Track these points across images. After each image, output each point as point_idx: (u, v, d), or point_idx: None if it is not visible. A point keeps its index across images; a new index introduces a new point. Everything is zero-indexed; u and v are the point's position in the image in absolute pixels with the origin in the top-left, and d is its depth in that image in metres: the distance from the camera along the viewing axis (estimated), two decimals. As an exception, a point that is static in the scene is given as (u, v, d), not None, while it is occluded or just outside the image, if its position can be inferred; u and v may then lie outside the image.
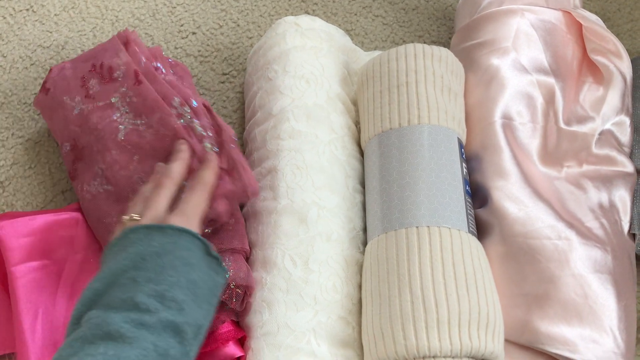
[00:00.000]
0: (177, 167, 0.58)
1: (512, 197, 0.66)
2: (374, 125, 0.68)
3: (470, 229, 0.62)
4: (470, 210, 0.64)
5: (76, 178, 0.65)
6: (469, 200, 0.64)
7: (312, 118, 0.67)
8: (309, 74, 0.70)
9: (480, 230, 0.66)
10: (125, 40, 0.69)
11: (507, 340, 0.63)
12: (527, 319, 0.62)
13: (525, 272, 0.63)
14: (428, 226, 0.60)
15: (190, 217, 0.54)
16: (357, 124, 0.72)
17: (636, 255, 0.69)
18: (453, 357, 0.55)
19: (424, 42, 0.85)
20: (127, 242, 0.50)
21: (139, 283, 0.46)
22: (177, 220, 0.52)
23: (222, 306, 0.59)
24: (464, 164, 0.66)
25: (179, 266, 0.48)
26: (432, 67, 0.69)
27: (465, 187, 0.65)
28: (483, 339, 0.56)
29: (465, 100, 0.73)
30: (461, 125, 0.69)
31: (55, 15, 0.84)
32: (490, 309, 0.57)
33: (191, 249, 0.50)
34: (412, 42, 0.84)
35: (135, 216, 0.54)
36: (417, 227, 0.60)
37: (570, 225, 0.65)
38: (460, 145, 0.67)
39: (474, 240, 0.61)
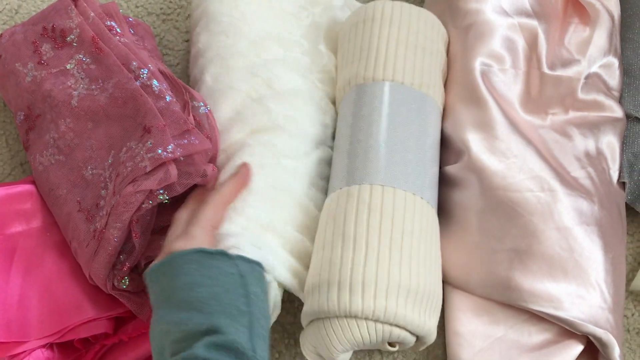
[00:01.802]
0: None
1: (491, 148, 0.62)
2: (342, 83, 0.65)
3: (426, 195, 0.58)
4: (431, 173, 0.60)
5: (29, 148, 0.62)
6: (431, 163, 0.61)
7: (231, 69, 0.63)
8: (227, 26, 0.65)
9: (457, 185, 0.63)
10: (74, -2, 0.65)
11: (488, 299, 0.60)
12: (508, 276, 0.59)
13: (507, 227, 0.60)
14: (382, 185, 0.57)
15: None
16: (306, 55, 0.67)
17: (626, 204, 0.65)
18: (375, 321, 0.53)
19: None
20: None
21: None
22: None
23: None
24: (431, 123, 0.62)
25: None
26: (416, 26, 0.64)
27: (431, 151, 0.61)
28: (410, 309, 0.53)
29: (443, 48, 0.69)
30: (438, 88, 0.65)
31: (7, -23, 0.79)
32: (421, 280, 0.54)
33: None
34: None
35: None
36: (359, 184, 0.57)
37: (555, 175, 0.62)
38: (435, 110, 0.63)
39: (426, 207, 0.58)
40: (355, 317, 0.52)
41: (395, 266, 0.53)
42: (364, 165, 0.58)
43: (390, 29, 0.63)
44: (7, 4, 0.78)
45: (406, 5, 0.66)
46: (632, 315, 0.64)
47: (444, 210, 0.64)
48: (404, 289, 0.52)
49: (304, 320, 0.56)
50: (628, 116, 0.67)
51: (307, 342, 0.56)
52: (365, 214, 0.55)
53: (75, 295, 0.55)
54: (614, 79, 0.69)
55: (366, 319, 0.52)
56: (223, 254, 0.49)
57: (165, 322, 0.46)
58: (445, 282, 0.62)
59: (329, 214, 0.57)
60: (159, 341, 0.46)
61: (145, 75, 0.58)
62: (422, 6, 0.76)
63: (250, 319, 0.46)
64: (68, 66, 0.62)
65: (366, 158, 0.58)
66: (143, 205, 0.51)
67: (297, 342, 0.63)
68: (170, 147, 0.52)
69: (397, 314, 0.52)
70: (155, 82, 0.57)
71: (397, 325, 0.53)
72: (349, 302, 0.52)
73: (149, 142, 0.53)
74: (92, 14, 0.63)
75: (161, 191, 0.52)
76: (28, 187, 0.61)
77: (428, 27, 0.65)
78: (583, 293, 0.58)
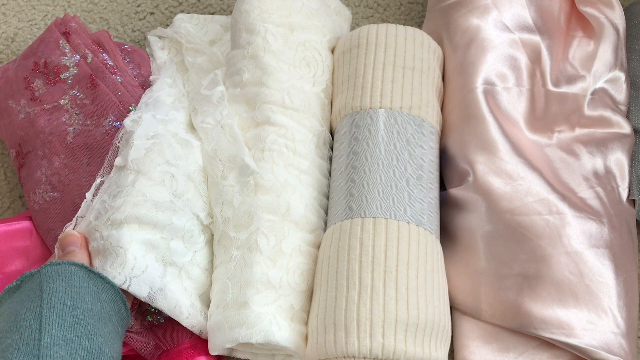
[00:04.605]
0: None
1: (497, 171, 0.61)
2: (335, 113, 0.64)
3: (424, 222, 0.57)
4: (429, 198, 0.59)
5: (24, 186, 0.61)
6: (429, 188, 0.60)
7: None
8: None
9: (462, 208, 0.62)
10: (64, 30, 0.64)
11: (498, 326, 0.59)
12: (518, 302, 0.57)
13: (515, 252, 0.59)
14: (374, 217, 0.56)
15: None
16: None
17: (637, 221, 0.64)
18: None
19: (401, 1, 0.78)
20: None
21: None
22: None
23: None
24: (427, 147, 0.61)
25: None
26: (403, 47, 0.63)
27: (429, 176, 0.60)
28: (411, 343, 0.52)
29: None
30: (432, 107, 0.63)
31: (2, 5, 0.78)
32: (422, 311, 0.53)
33: None
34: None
35: None
36: (351, 219, 0.56)
37: (563, 197, 0.60)
38: (430, 131, 0.62)
39: (424, 234, 0.57)
40: (354, 357, 0.51)
41: (391, 300, 0.52)
42: (356, 198, 0.57)
43: (376, 54, 0.62)
44: (3, 32, 0.77)
45: (392, 26, 0.64)
46: (646, 336, 0.63)
47: (449, 234, 0.63)
48: (401, 323, 0.51)
49: None
50: (636, 131, 0.66)
51: None
52: (357, 250, 0.54)
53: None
54: (620, 93, 0.67)
55: (364, 358, 0.51)
56: (29, 276, 0.46)
57: None
58: (452, 308, 0.61)
59: (324, 253, 0.57)
60: None
61: None
62: (421, 24, 0.75)
63: (39, 327, 0.41)
64: (62, 102, 0.61)
65: (358, 191, 0.57)
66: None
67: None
68: None
69: (396, 350, 0.51)
70: None
71: None
72: (345, 343, 0.51)
73: None
74: (90, 54, 0.62)
75: None
76: (27, 224, 0.60)
77: (417, 45, 0.64)
78: (595, 319, 0.56)
